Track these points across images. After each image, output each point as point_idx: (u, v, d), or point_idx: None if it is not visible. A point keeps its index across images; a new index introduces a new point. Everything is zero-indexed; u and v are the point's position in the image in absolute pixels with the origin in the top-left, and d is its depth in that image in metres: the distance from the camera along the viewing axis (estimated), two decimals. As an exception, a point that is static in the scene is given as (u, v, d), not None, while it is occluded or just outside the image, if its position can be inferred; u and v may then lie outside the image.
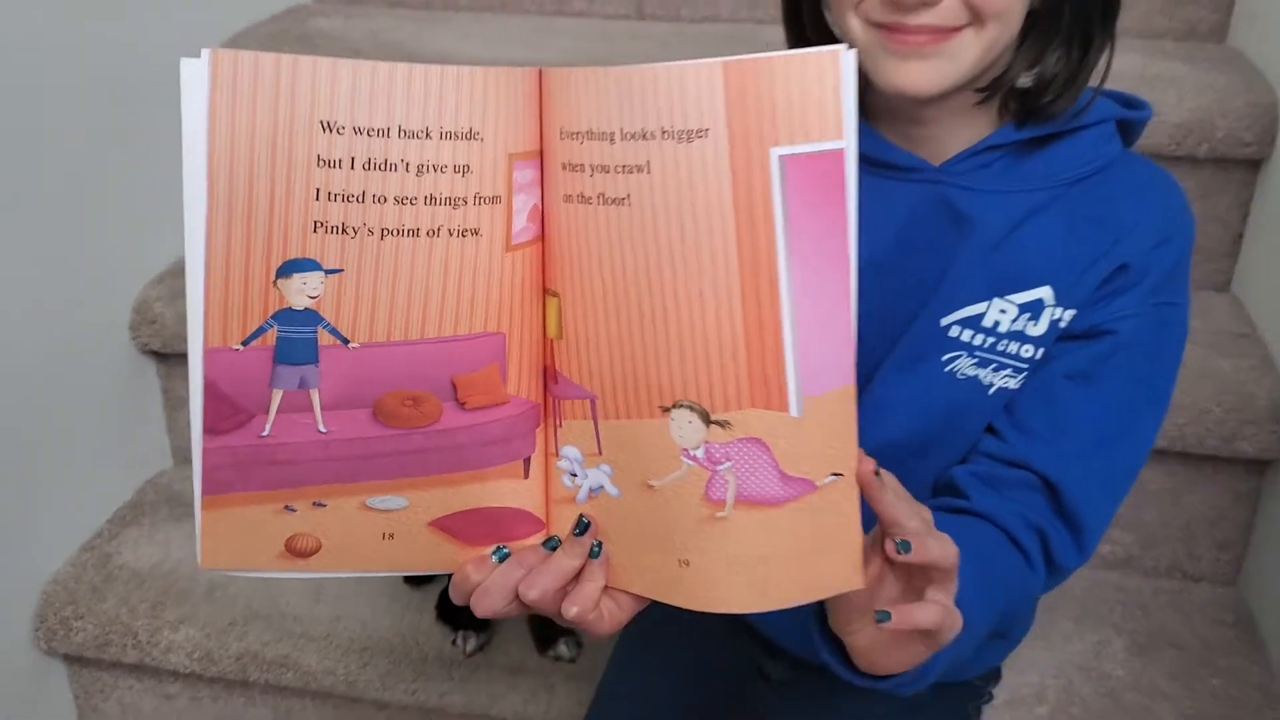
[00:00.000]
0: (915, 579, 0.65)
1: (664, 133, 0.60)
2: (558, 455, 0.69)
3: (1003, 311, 0.84)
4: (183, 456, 1.57)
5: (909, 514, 0.63)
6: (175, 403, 1.55)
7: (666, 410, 0.64)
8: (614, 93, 0.60)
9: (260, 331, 0.64)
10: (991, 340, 0.85)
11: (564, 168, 0.63)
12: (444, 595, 1.32)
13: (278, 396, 0.65)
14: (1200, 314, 1.45)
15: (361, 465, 0.66)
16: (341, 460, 0.66)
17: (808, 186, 0.59)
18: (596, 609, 0.67)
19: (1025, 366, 0.85)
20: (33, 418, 1.32)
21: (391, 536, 0.68)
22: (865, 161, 0.81)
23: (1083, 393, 0.84)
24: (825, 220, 0.60)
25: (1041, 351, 0.84)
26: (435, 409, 0.66)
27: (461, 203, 0.63)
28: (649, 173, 0.61)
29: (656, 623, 1.08)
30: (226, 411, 0.64)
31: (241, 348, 0.64)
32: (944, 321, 0.85)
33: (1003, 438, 0.85)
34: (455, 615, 1.30)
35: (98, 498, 1.47)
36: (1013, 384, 0.85)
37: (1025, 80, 0.82)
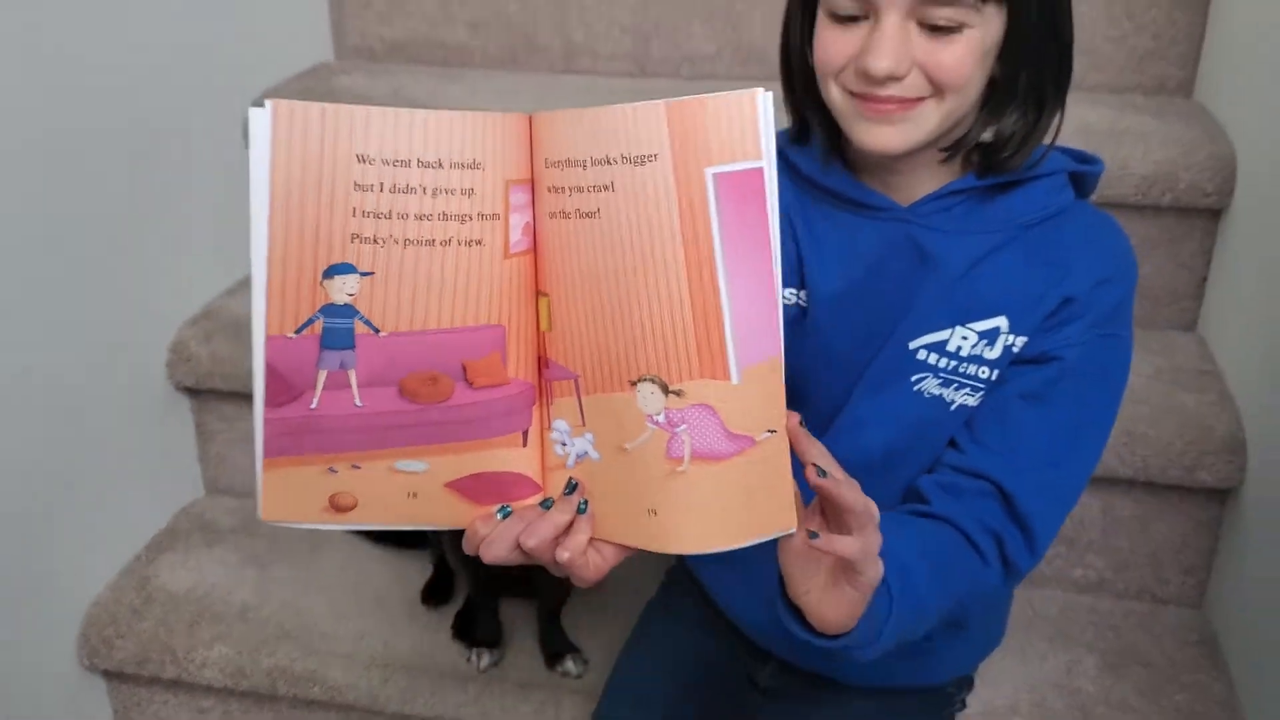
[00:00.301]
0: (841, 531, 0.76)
1: (623, 158, 0.74)
2: (550, 428, 0.81)
3: (964, 338, 0.95)
4: (214, 486, 1.67)
5: (829, 462, 0.74)
6: (207, 436, 1.65)
7: (634, 384, 0.77)
8: (585, 129, 0.75)
9: (309, 322, 0.76)
10: (954, 363, 0.96)
11: (549, 190, 0.77)
12: (459, 615, 1.41)
13: (323, 376, 0.77)
14: (1166, 352, 1.55)
15: (390, 434, 0.79)
16: (373, 430, 0.79)
17: (735, 197, 0.73)
18: (584, 556, 0.79)
19: (982, 386, 0.95)
20: (76, 450, 1.42)
21: (415, 495, 0.80)
22: (844, 201, 0.96)
23: (1034, 412, 0.94)
24: (750, 223, 0.74)
25: (996, 373, 0.95)
26: (448, 388, 0.79)
27: (467, 219, 0.77)
28: (613, 190, 0.75)
29: (655, 636, 1.18)
30: (282, 388, 0.77)
31: (294, 335, 0.76)
32: (912, 345, 0.96)
33: (963, 451, 0.96)
34: (470, 633, 1.39)
35: (136, 525, 1.56)
36: (971, 401, 0.96)
37: (986, 135, 0.93)
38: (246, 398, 1.56)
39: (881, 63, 0.85)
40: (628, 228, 0.75)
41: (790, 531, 0.76)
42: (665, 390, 0.76)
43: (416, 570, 1.50)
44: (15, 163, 1.27)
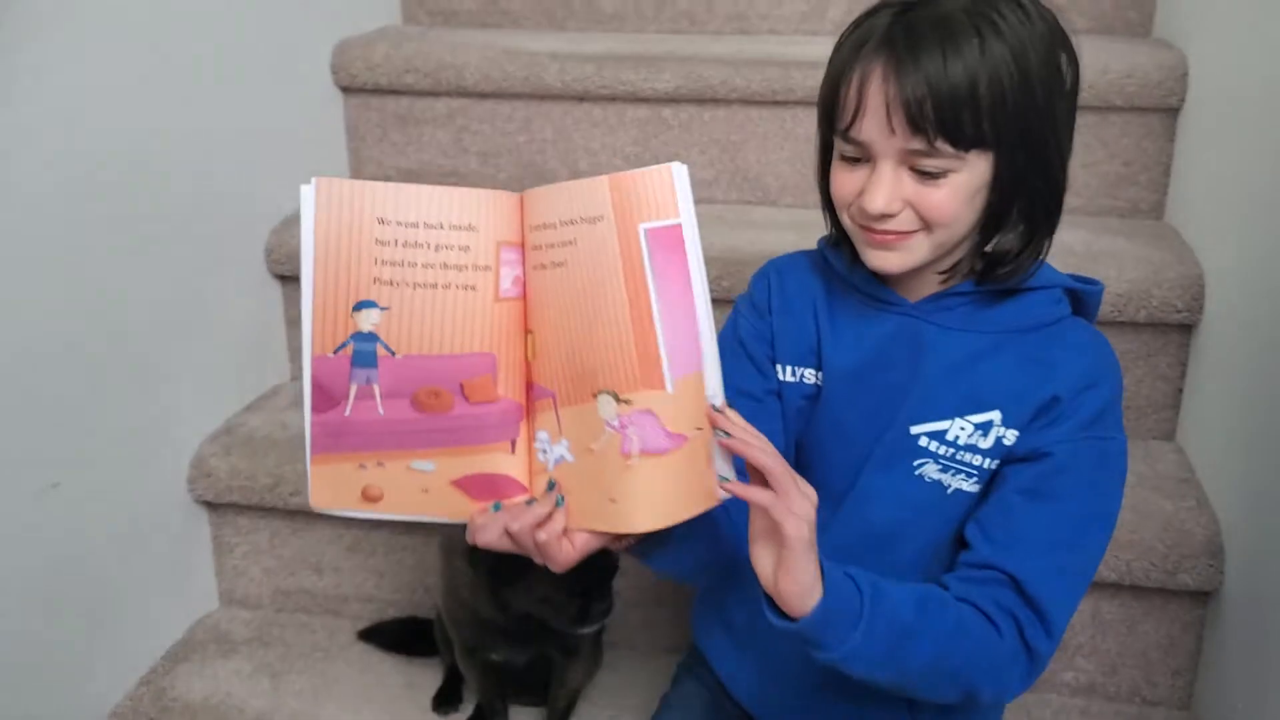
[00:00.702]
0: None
1: (580, 219, 0.95)
2: (534, 439, 0.99)
3: (962, 428, 1.06)
4: (229, 598, 1.72)
5: (741, 430, 0.92)
6: (224, 549, 1.70)
7: (595, 396, 0.95)
8: (554, 198, 0.96)
9: (343, 345, 0.96)
10: (952, 451, 1.06)
11: (532, 249, 0.98)
12: (469, 721, 1.46)
13: (354, 389, 0.97)
14: (1146, 460, 1.61)
15: (405, 438, 0.98)
16: (393, 433, 0.98)
17: (662, 246, 0.93)
18: (559, 541, 0.96)
19: (975, 473, 1.06)
20: (99, 563, 1.47)
21: (426, 491, 0.99)
22: (863, 294, 1.11)
23: (1034, 505, 1.03)
24: (675, 266, 0.93)
25: (989, 461, 1.05)
26: (450, 401, 0.98)
27: (464, 268, 0.97)
28: (575, 245, 0.95)
29: (673, 706, 1.25)
30: (324, 398, 0.97)
31: (332, 355, 0.96)
32: (914, 430, 1.07)
33: (973, 548, 1.04)
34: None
35: (154, 636, 1.61)
36: (967, 486, 1.06)
37: (988, 247, 1.05)
38: (262, 510, 1.64)
39: (875, 203, 0.98)
40: (586, 273, 0.95)
41: (714, 505, 0.94)
42: (617, 399, 0.95)
43: (428, 678, 1.55)
44: (47, 287, 1.35)
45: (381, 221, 0.95)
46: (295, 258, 1.76)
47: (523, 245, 0.98)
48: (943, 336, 1.07)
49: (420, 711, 1.50)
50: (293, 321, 1.85)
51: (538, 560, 0.97)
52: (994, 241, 1.04)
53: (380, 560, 1.67)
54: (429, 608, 1.62)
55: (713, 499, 0.94)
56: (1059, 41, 0.99)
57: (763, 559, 0.93)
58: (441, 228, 0.96)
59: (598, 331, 0.95)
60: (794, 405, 1.14)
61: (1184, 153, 1.78)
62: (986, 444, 1.05)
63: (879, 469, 1.09)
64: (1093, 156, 1.84)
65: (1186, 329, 1.62)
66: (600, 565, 1.26)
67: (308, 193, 0.95)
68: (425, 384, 0.97)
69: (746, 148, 1.94)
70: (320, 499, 0.98)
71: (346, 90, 2.01)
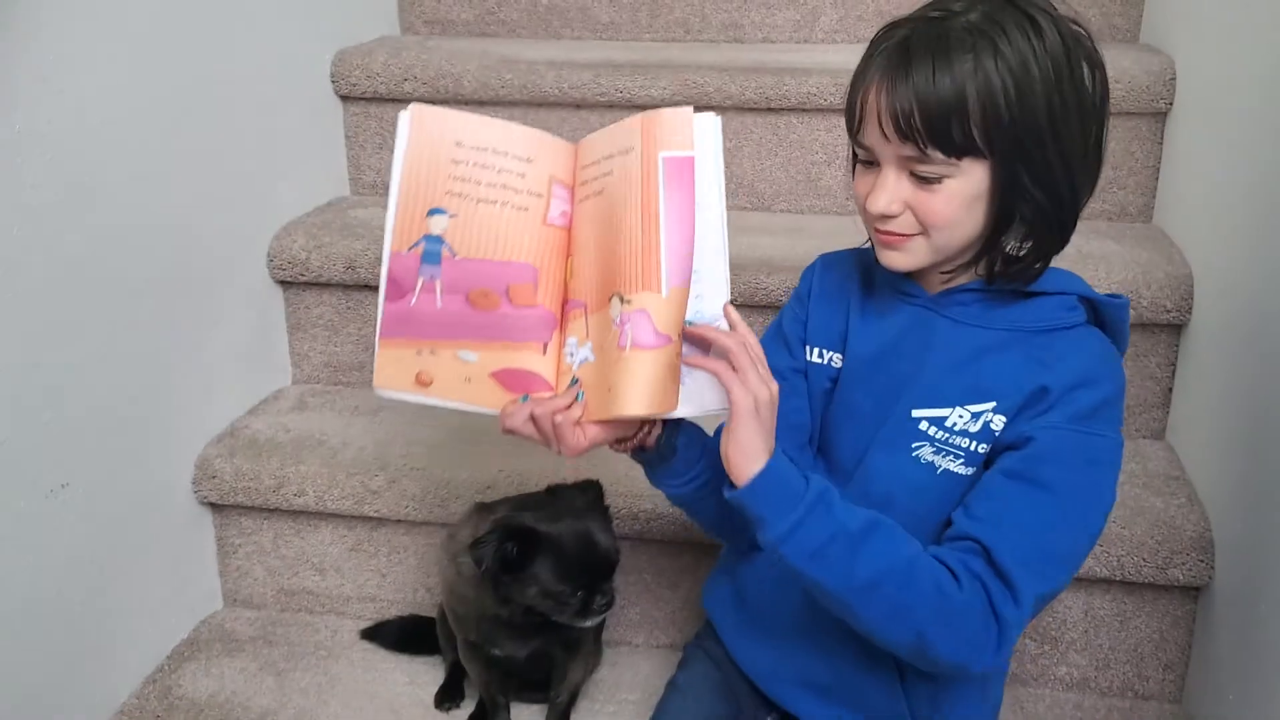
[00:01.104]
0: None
1: (617, 153, 1.11)
2: (564, 344, 1.14)
3: (960, 416, 1.11)
4: (233, 599, 1.74)
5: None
6: (228, 550, 1.72)
7: (609, 299, 1.08)
8: (600, 140, 1.13)
9: (416, 244, 1.11)
10: (946, 435, 1.12)
11: (580, 185, 1.15)
12: (472, 718, 1.47)
13: (420, 283, 1.12)
14: (1138, 458, 1.64)
15: (456, 329, 1.13)
16: (447, 324, 1.13)
17: (675, 174, 1.07)
18: (573, 428, 1.08)
19: (962, 454, 1.11)
20: (105, 563, 1.49)
21: (469, 380, 1.14)
22: (889, 287, 1.19)
23: (1014, 486, 1.07)
24: (683, 192, 1.06)
25: (976, 444, 1.10)
26: (496, 302, 1.13)
27: (519, 192, 1.14)
28: (611, 175, 1.11)
29: (681, 689, 1.33)
30: (395, 289, 1.12)
31: (406, 252, 1.11)
32: (915, 414, 1.12)
33: (954, 524, 1.08)
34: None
35: (159, 635, 1.63)
36: (954, 467, 1.11)
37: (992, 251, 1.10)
38: (266, 512, 1.66)
39: (877, 203, 1.06)
40: (616, 197, 1.10)
41: (671, 410, 1.05)
42: (622, 300, 1.07)
43: (430, 676, 1.57)
44: (57, 293, 1.38)
45: (458, 144, 1.12)
46: (296, 263, 1.80)
47: (573, 186, 1.15)
48: (953, 329, 1.13)
49: (422, 709, 1.52)
50: (294, 327, 1.88)
51: (554, 448, 1.10)
52: (999, 247, 1.08)
53: (382, 560, 1.69)
54: (430, 607, 1.64)
55: (671, 403, 1.05)
56: (1078, 58, 1.04)
57: (723, 436, 1.03)
58: (506, 155, 1.13)
59: (619, 243, 1.09)
60: (819, 386, 1.22)
61: (1172, 156, 1.81)
62: (976, 427, 1.10)
63: (882, 449, 1.14)
64: (1082, 161, 1.87)
65: (1176, 329, 1.65)
66: (601, 560, 1.28)
67: (404, 116, 1.11)
68: (478, 285, 1.13)
69: (741, 154, 1.97)
70: (382, 379, 1.12)
71: (346, 99, 2.04)
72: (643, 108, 1.92)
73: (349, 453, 1.68)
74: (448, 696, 1.52)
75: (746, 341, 1.03)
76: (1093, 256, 1.70)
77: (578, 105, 1.97)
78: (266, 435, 1.72)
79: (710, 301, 1.07)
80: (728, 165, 1.95)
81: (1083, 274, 1.60)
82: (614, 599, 1.30)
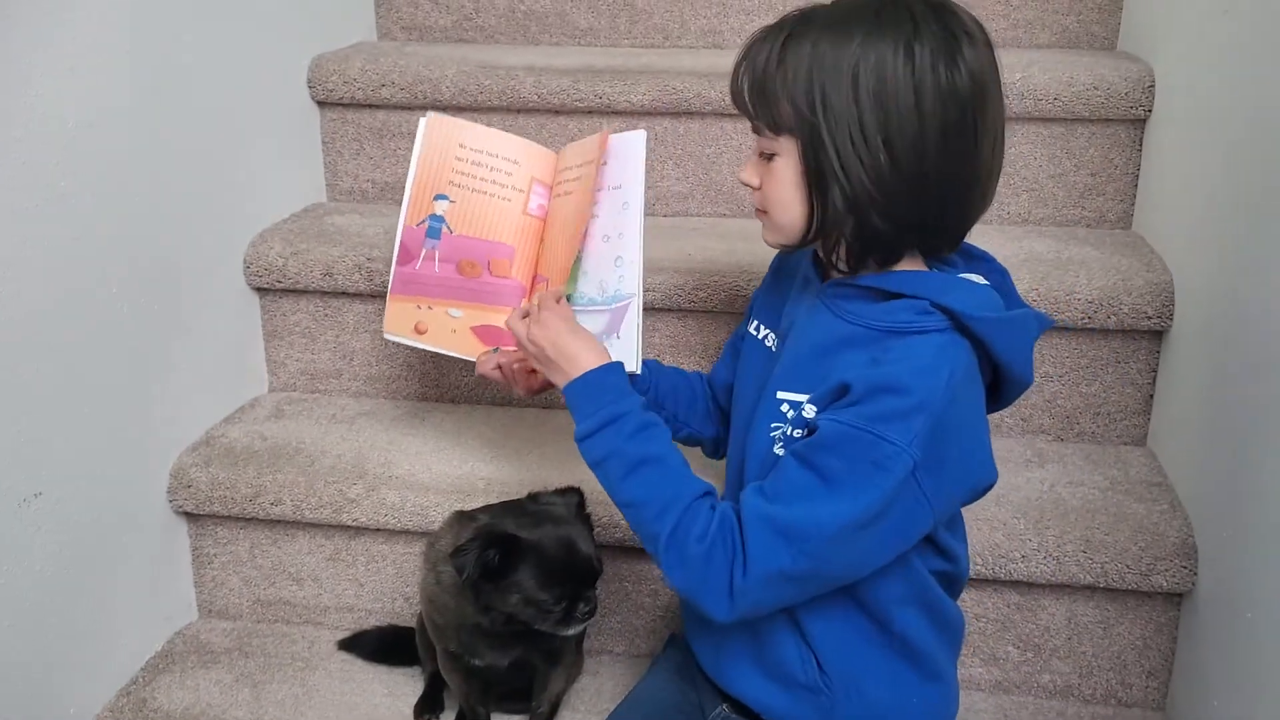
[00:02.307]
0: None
1: (586, 162, 1.39)
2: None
3: (808, 403, 1.14)
4: (208, 610, 1.72)
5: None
6: (203, 560, 1.70)
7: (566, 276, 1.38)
8: (577, 150, 1.43)
9: (423, 221, 1.45)
10: (793, 416, 1.15)
11: (557, 184, 1.45)
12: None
13: (424, 251, 1.45)
14: (1119, 465, 1.64)
15: (448, 290, 1.45)
16: (441, 286, 1.45)
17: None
18: (529, 374, 1.37)
19: (784, 440, 1.16)
20: (79, 573, 1.47)
21: (454, 332, 1.46)
22: (806, 274, 1.25)
23: (791, 462, 1.10)
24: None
25: (793, 430, 1.15)
26: (480, 271, 1.45)
27: (505, 186, 1.45)
28: (580, 180, 1.39)
29: (648, 677, 1.38)
30: (405, 255, 1.46)
31: (415, 226, 1.45)
32: (779, 395, 1.17)
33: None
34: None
35: (133, 647, 1.60)
36: (779, 451, 1.16)
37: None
38: (242, 521, 1.65)
39: (740, 175, 1.19)
40: (575, 198, 1.40)
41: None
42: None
43: (409, 687, 1.55)
44: (29, 300, 1.36)
45: (461, 145, 1.45)
46: (272, 270, 1.79)
47: (551, 185, 1.45)
48: (831, 320, 1.16)
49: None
50: (271, 334, 1.86)
51: (516, 389, 1.40)
52: (832, 235, 1.13)
53: (360, 570, 1.67)
54: (409, 616, 1.62)
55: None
56: (942, 60, 1.05)
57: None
58: (497, 157, 1.45)
59: (571, 232, 1.38)
60: (751, 356, 1.30)
61: (1151, 163, 1.82)
62: (794, 414, 1.15)
63: (756, 425, 1.20)
64: (1060, 167, 1.87)
65: (1157, 335, 1.65)
66: (583, 568, 1.27)
67: (422, 121, 1.45)
68: (466, 257, 1.44)
69: (720, 160, 1.96)
70: (390, 327, 1.48)
71: (323, 104, 2.02)
72: (622, 114, 1.94)
73: (326, 461, 1.66)
74: (427, 708, 1.50)
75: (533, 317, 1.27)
76: (1073, 262, 1.70)
77: (556, 111, 1.96)
78: (243, 444, 1.70)
79: (628, 281, 1.32)
80: (706, 172, 1.96)
81: (1064, 280, 1.63)
82: (596, 607, 1.29)
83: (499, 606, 1.27)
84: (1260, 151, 1.36)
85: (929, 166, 1.07)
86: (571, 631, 1.31)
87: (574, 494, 1.35)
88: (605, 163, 1.35)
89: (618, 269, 1.33)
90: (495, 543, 1.25)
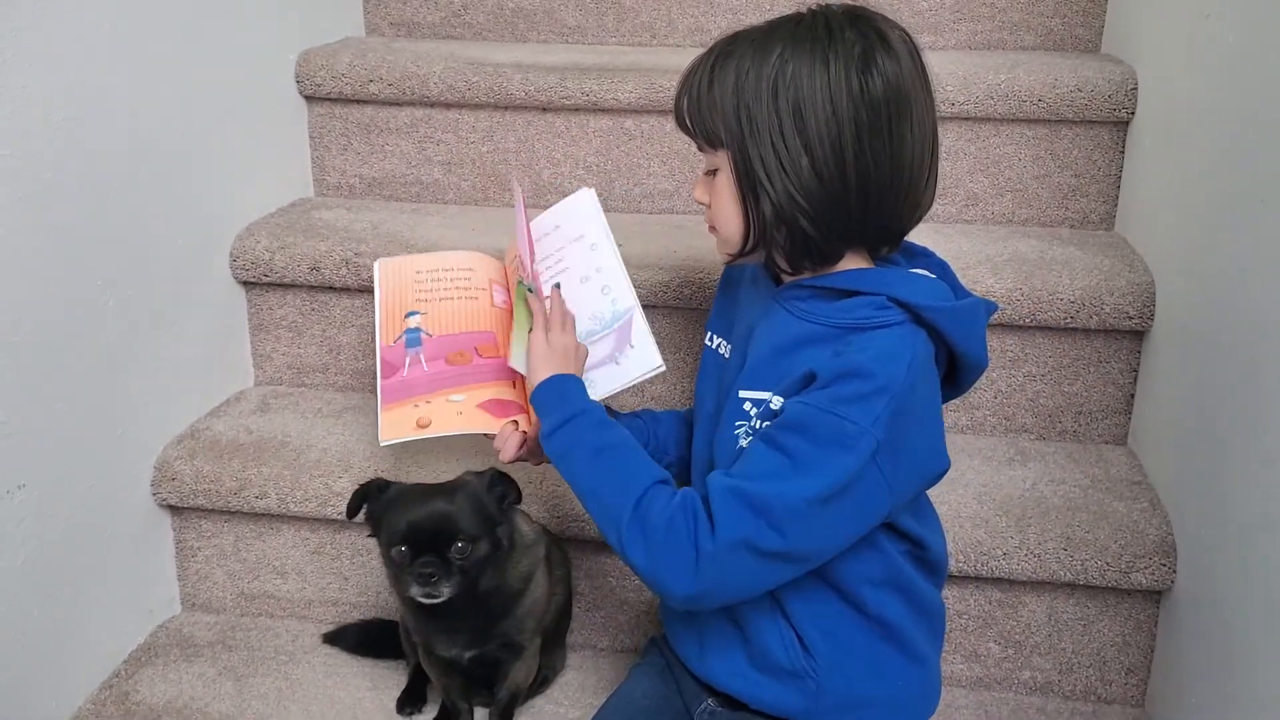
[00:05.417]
0: None
1: (516, 261, 1.45)
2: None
3: (771, 400, 1.16)
4: (191, 603, 1.72)
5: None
6: (187, 553, 1.70)
7: None
8: (509, 252, 1.52)
9: (399, 338, 1.44)
10: (757, 413, 1.17)
11: (504, 277, 1.50)
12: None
13: (408, 359, 1.42)
14: (1100, 464, 1.65)
15: (443, 382, 1.40)
16: (435, 381, 1.40)
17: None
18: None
19: (752, 433, 1.17)
20: (62, 565, 1.47)
21: (461, 413, 1.38)
22: (758, 280, 1.28)
23: (757, 445, 1.13)
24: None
25: (760, 423, 1.17)
26: (470, 358, 1.42)
27: (469, 288, 1.48)
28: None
29: (621, 693, 1.36)
30: (389, 369, 1.42)
31: (392, 344, 1.44)
32: (741, 394, 1.19)
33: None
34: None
35: (116, 640, 1.60)
36: (744, 443, 1.18)
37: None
38: (227, 514, 1.65)
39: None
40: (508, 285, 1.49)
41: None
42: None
43: (392, 680, 1.55)
44: (14, 292, 1.36)
45: (418, 272, 1.50)
46: (259, 264, 1.79)
47: (506, 284, 1.50)
48: (788, 320, 1.19)
49: (385, 714, 1.50)
50: (257, 328, 1.86)
51: (534, 460, 1.36)
52: (772, 241, 1.16)
53: (344, 563, 1.67)
54: (393, 611, 1.63)
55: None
56: (842, 63, 1.09)
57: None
58: (452, 270, 1.50)
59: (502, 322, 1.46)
60: (710, 367, 1.32)
61: (1133, 165, 1.83)
62: (758, 410, 1.17)
63: (722, 425, 1.22)
64: (1044, 168, 1.88)
65: (1138, 335, 1.66)
66: (424, 520, 1.31)
67: (377, 266, 1.51)
68: (453, 350, 1.43)
69: (706, 159, 1.97)
70: (387, 434, 1.38)
71: (311, 99, 2.02)
72: (609, 110, 1.95)
73: (312, 454, 1.66)
74: (410, 701, 1.51)
75: (554, 306, 1.32)
76: (1056, 263, 1.71)
77: (544, 108, 1.96)
78: (228, 437, 1.70)
79: (622, 299, 1.36)
80: (692, 169, 1.97)
81: (1047, 280, 1.64)
82: (440, 573, 1.28)
83: (387, 569, 1.36)
84: (1241, 154, 1.37)
85: (849, 172, 1.11)
86: (421, 598, 1.29)
87: (491, 471, 1.37)
88: (558, 226, 1.42)
89: (606, 295, 1.36)
90: (370, 488, 1.35)
